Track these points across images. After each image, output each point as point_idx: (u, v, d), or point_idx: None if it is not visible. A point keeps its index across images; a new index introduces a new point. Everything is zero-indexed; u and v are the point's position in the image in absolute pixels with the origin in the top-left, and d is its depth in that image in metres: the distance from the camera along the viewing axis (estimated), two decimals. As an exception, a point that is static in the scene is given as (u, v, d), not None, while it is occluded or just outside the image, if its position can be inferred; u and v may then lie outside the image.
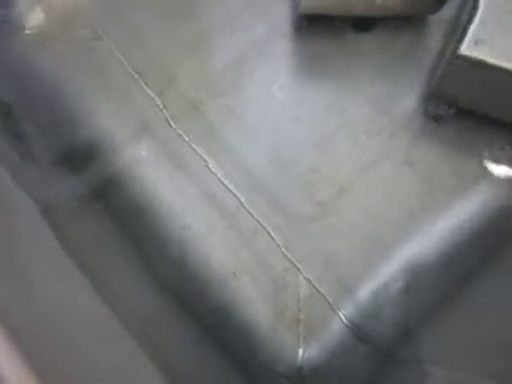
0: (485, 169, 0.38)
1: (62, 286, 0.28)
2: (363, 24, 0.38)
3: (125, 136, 0.36)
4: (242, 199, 0.36)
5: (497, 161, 0.38)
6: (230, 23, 0.38)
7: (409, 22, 0.38)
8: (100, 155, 0.37)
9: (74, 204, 0.35)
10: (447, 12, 0.37)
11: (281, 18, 0.38)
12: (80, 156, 0.37)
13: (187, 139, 0.36)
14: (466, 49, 0.32)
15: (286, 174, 0.37)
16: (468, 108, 0.37)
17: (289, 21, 0.38)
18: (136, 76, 0.36)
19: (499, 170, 0.38)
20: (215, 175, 0.36)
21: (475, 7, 0.33)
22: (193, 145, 0.36)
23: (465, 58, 0.32)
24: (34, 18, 0.36)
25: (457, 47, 0.32)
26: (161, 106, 0.36)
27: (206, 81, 0.37)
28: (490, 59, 0.32)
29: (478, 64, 0.32)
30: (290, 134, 0.38)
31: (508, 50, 0.32)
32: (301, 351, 0.36)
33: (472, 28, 0.32)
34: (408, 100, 0.39)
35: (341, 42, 0.38)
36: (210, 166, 0.36)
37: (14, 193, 0.31)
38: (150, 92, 0.36)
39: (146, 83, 0.36)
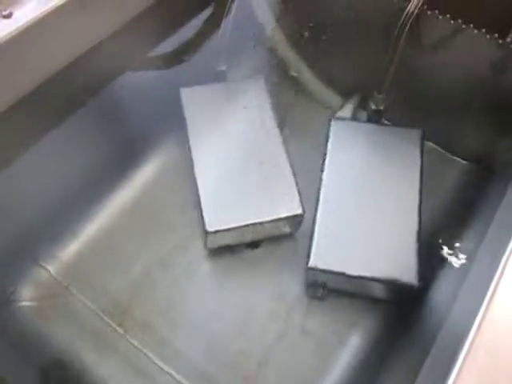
0: (355, 325, 0.54)
1: None
2: (252, 244, 0.56)
3: (99, 358, 0.50)
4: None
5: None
6: (163, 261, 0.55)
7: (279, 240, 0.56)
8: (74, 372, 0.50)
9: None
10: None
11: (198, 253, 0.56)
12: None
13: (144, 350, 0.51)
14: (312, 261, 0.49)
15: (219, 360, 0.52)
16: (335, 289, 0.54)
17: (204, 254, 0.56)
18: (102, 315, 0.51)
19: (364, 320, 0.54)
20: (169, 374, 0.50)
21: (313, 228, 0.51)
22: (148, 353, 0.51)
23: (314, 268, 0.49)
24: (26, 292, 0.52)
25: (307, 261, 0.49)
26: (122, 332, 0.51)
27: (152, 306, 0.53)
28: (332, 267, 0.49)
29: (325, 271, 0.49)
30: (216, 329, 0.53)
31: (345, 259, 0.49)
32: None
33: (314, 243, 0.50)
34: (296, 288, 0.55)
35: (240, 257, 0.56)
36: (164, 368, 0.50)
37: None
38: (113, 324, 0.51)
39: (110, 318, 0.51)
